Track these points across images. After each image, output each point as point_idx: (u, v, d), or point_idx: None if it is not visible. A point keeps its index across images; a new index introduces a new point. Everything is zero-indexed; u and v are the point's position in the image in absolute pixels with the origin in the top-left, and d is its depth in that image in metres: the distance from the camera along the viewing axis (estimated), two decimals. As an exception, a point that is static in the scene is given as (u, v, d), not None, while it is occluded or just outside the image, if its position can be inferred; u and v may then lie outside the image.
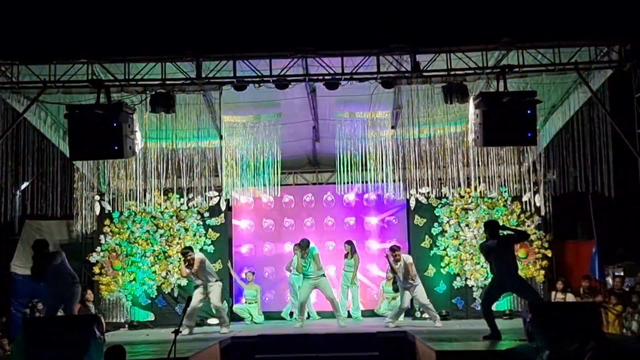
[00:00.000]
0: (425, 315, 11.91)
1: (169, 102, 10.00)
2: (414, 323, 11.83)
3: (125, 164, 12.56)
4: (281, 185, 13.34)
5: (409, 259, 11.39)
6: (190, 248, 11.69)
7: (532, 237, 13.01)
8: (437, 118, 11.35)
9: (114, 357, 5.96)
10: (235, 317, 13.15)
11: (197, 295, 11.03)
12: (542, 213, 13.07)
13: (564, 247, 13.93)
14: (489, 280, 12.92)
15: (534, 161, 12.79)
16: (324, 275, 11.68)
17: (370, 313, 13.15)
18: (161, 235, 13.45)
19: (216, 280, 11.35)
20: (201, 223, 13.59)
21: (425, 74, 9.96)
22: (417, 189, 13.05)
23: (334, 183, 13.30)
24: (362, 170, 12.66)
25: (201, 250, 13.29)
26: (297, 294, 12.61)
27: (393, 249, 11.47)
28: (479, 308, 12.99)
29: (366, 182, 12.73)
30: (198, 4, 12.74)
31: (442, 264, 13.24)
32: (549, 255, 13.07)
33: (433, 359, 7.66)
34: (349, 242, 13.06)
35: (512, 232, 9.70)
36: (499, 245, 9.28)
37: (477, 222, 13.13)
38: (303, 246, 11.61)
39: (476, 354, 7.71)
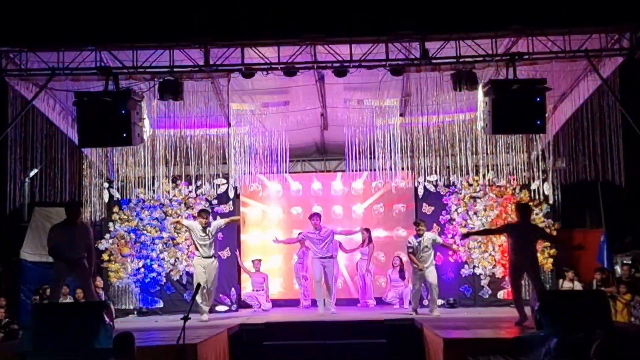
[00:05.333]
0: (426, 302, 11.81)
1: (177, 89, 9.98)
2: (421, 311, 11.84)
3: (134, 152, 12.57)
4: (289, 173, 13.34)
5: (437, 238, 11.44)
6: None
7: (541, 225, 12.99)
8: (445, 106, 11.28)
9: (123, 343, 5.97)
10: (243, 305, 13.23)
11: (202, 275, 10.86)
12: (551, 201, 13.03)
13: (572, 235, 13.88)
14: (496, 268, 12.98)
15: (542, 149, 12.73)
16: (332, 256, 11.68)
17: (378, 301, 13.18)
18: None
19: (215, 257, 11.29)
20: (210, 210, 13.60)
21: (434, 61, 9.89)
22: (426, 177, 13.02)
23: (342, 171, 13.31)
24: (370, 158, 12.64)
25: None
26: (301, 281, 12.73)
27: (417, 223, 11.43)
28: (487, 296, 13.07)
29: (374, 169, 12.71)
30: (206, -9, 12.72)
31: (450, 252, 13.23)
32: (557, 243, 13.04)
33: (441, 346, 7.66)
34: (366, 230, 13.10)
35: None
36: (525, 229, 9.44)
37: (485, 210, 13.14)
38: (314, 217, 11.79)
39: (484, 341, 7.69)
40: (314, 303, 12.18)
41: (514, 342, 7.41)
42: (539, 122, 9.38)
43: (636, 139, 9.57)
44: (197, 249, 11.15)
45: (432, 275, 11.13)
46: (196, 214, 11.72)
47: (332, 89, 11.62)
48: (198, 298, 10.51)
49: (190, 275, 13.28)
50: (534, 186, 13.02)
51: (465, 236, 11.14)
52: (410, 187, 13.45)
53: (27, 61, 9.99)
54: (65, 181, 11.71)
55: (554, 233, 13.03)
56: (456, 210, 13.37)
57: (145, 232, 13.42)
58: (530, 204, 12.98)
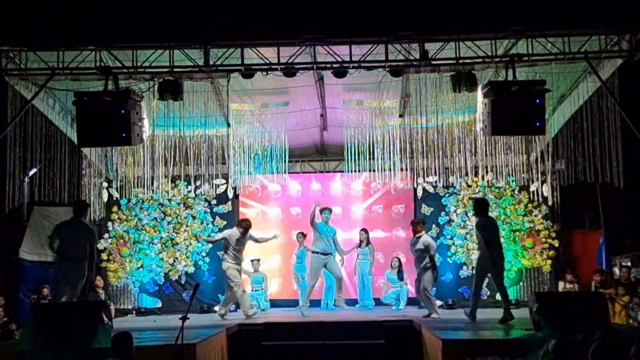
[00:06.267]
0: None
1: (177, 89, 10.00)
2: (420, 312, 11.84)
3: (133, 151, 12.59)
4: (288, 173, 13.35)
5: (430, 247, 10.73)
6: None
7: (540, 227, 13.05)
8: (445, 107, 11.31)
9: (121, 343, 5.98)
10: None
11: (239, 279, 10.98)
12: (550, 203, 13.05)
13: (571, 237, 13.90)
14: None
15: (542, 151, 12.74)
16: (332, 253, 11.62)
17: (376, 302, 13.18)
18: (168, 223, 13.51)
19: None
20: (208, 210, 13.64)
21: (433, 62, 9.92)
22: (425, 178, 13.04)
23: (342, 171, 13.31)
24: (369, 158, 12.65)
25: (208, 237, 13.36)
26: (300, 281, 12.69)
27: (413, 223, 11.10)
28: (485, 297, 13.05)
29: (373, 170, 12.72)
30: (206, -9, 12.70)
31: (449, 253, 13.26)
32: (556, 245, 13.06)
33: (439, 347, 7.66)
34: (364, 230, 13.07)
35: None
36: (493, 225, 9.56)
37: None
38: (326, 211, 11.63)
39: (482, 342, 7.69)
40: (312, 303, 12.16)
41: (512, 343, 7.42)
42: (538, 124, 9.39)
43: (635, 140, 9.59)
44: (228, 254, 11.01)
45: (425, 280, 10.70)
46: (238, 223, 11.51)
47: (332, 89, 11.63)
48: (244, 300, 10.97)
49: (189, 275, 13.33)
50: (533, 187, 13.03)
51: None
52: (410, 188, 13.46)
53: (27, 61, 10.01)
54: (65, 181, 11.72)
55: (553, 235, 13.06)
56: (455, 211, 13.38)
57: (144, 232, 13.43)
58: (530, 205, 13.09)
